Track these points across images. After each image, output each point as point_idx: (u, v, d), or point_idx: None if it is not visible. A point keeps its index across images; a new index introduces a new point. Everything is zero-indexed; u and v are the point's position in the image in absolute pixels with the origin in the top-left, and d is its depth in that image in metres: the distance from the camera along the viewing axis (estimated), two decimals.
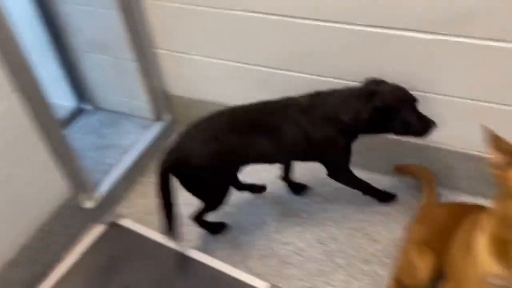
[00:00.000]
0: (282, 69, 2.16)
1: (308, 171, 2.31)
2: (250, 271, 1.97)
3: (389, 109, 1.67)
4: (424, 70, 1.84)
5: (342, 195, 2.28)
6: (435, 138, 1.90)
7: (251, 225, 2.19)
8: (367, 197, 2.17)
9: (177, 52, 2.37)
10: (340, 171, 2.02)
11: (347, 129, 1.79)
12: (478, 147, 1.93)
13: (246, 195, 2.31)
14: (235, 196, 2.15)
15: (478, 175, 2.06)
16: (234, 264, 2.01)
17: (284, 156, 1.99)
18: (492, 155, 1.03)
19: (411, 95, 1.73)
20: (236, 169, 2.03)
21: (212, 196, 1.96)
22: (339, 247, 2.05)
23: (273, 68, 2.17)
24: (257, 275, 1.94)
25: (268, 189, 2.34)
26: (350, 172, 2.03)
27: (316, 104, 1.79)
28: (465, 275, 1.23)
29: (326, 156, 1.93)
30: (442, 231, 1.48)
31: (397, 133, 1.78)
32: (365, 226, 2.12)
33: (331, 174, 2.02)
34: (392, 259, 1.92)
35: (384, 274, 1.91)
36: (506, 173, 1.00)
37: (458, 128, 1.94)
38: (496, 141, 1.00)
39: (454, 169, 2.12)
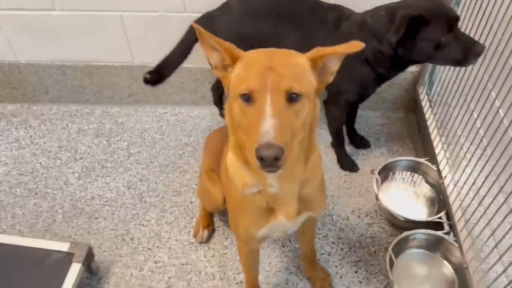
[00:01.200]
0: None
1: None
2: (56, 237, 1.80)
3: (422, 20, 1.43)
4: None
5: (148, 137, 2.21)
6: None
7: (51, 189, 1.99)
8: (176, 137, 2.17)
9: None
10: (339, 103, 1.81)
11: (380, 58, 1.58)
12: None
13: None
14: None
15: None
16: (38, 235, 1.82)
17: None
18: (209, 56, 0.97)
19: (452, 11, 1.49)
20: None
21: None
22: (149, 186, 1.99)
23: None
24: (63, 239, 1.78)
25: (65, 148, 2.15)
26: (344, 114, 1.88)
27: (361, 19, 1.58)
28: (231, 196, 1.21)
29: (342, 76, 1.71)
30: (218, 156, 1.43)
31: (434, 58, 1.52)
32: (174, 161, 2.09)
33: (327, 101, 1.84)
34: None
35: (196, 201, 1.91)
36: (225, 72, 0.97)
37: None
38: (211, 40, 0.93)
39: None
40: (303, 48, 0.99)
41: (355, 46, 0.94)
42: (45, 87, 2.30)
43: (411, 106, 2.20)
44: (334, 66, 0.97)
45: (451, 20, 1.45)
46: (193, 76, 2.19)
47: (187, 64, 2.13)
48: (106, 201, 1.94)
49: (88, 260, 1.60)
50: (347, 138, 2.10)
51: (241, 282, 1.67)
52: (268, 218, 1.14)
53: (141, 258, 1.75)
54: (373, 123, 2.22)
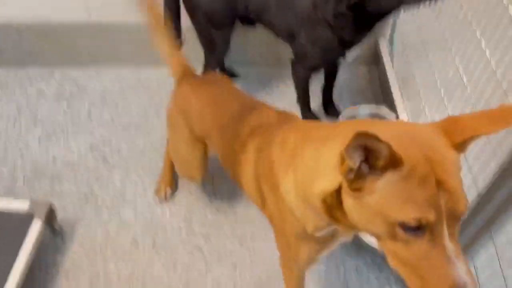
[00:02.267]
0: None
1: None
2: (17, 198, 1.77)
3: None
4: None
5: (109, 99, 2.17)
6: None
7: (11, 154, 1.94)
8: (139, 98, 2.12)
9: None
10: (304, 65, 1.79)
11: (342, 21, 1.53)
12: None
13: None
14: None
15: None
16: None
17: (279, 20, 1.71)
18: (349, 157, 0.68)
19: None
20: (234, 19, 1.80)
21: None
22: (112, 147, 1.96)
23: None
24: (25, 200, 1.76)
25: (25, 113, 2.10)
26: (309, 76, 1.84)
27: None
28: (288, 229, 1.02)
29: (306, 40, 1.67)
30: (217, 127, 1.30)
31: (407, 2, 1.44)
32: (137, 121, 2.06)
33: (294, 61, 1.81)
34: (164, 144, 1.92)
35: (160, 160, 1.90)
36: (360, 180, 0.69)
37: None
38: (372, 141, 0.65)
39: None
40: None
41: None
42: (0, 50, 2.22)
43: (374, 60, 2.21)
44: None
45: None
46: None
47: None
48: (68, 163, 1.91)
49: (50, 218, 1.59)
50: (322, 102, 2.10)
51: (207, 234, 1.68)
52: (332, 241, 1.01)
53: (105, 216, 1.74)
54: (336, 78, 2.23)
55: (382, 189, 0.65)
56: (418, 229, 0.63)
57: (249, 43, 2.19)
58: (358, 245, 1.62)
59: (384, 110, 1.86)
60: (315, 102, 2.11)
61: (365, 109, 1.91)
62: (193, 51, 1.81)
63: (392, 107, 1.85)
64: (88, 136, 2.01)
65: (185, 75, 1.43)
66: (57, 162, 1.91)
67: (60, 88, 2.21)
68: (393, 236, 0.66)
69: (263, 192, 1.06)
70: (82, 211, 1.75)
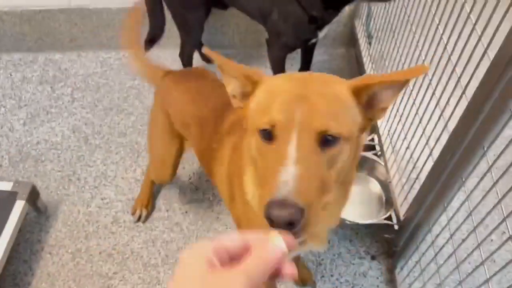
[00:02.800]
0: None
1: None
2: (2, 181, 1.83)
3: None
4: None
5: (91, 82, 2.21)
6: None
7: None
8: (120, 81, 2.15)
9: None
10: (278, 44, 1.81)
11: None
12: None
13: None
14: None
15: None
16: None
17: (251, 1, 1.77)
18: (226, 84, 0.81)
19: None
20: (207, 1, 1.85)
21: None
22: (94, 129, 2.01)
23: None
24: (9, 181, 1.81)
25: (9, 96, 2.14)
26: (284, 55, 1.87)
27: None
28: (250, 222, 1.03)
29: (279, 18, 1.70)
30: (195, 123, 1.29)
31: None
32: (119, 104, 2.11)
33: (268, 40, 1.85)
34: (146, 125, 1.97)
35: (141, 140, 1.96)
36: (244, 102, 0.79)
37: None
38: (229, 67, 0.79)
39: None
40: None
41: (417, 71, 0.73)
42: None
43: (352, 42, 2.26)
44: (388, 100, 0.73)
45: None
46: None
47: (125, 4, 2.11)
48: (52, 145, 1.96)
49: (33, 198, 1.65)
50: None
51: (186, 212, 1.74)
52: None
53: (88, 196, 1.80)
54: (315, 60, 2.27)
55: (251, 106, 0.74)
56: (271, 135, 0.66)
57: (227, 26, 2.23)
58: None
59: None
60: None
61: None
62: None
63: None
64: (71, 118, 2.06)
65: (165, 74, 1.41)
66: (41, 143, 1.97)
67: (44, 72, 2.25)
68: (259, 148, 0.70)
69: (234, 191, 1.06)
70: (65, 191, 1.81)
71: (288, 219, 0.56)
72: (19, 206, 1.59)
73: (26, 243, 1.68)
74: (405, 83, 0.71)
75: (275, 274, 0.48)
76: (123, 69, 2.26)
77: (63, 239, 1.69)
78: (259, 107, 0.72)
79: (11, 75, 2.25)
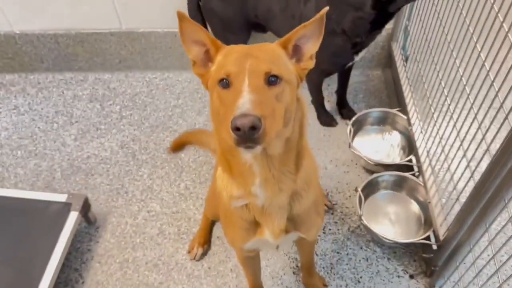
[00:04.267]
0: None
1: None
2: (55, 192, 1.94)
3: None
4: None
5: (138, 101, 2.33)
6: None
7: (50, 151, 2.12)
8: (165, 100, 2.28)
9: None
10: (317, 69, 1.85)
11: (359, 25, 1.63)
12: None
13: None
14: None
15: None
16: (38, 191, 1.96)
17: (285, 27, 1.79)
18: (188, 50, 0.92)
19: None
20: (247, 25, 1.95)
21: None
22: (141, 145, 2.12)
23: None
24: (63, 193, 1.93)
25: (62, 113, 2.29)
26: (321, 78, 1.95)
27: None
28: (220, 207, 1.16)
29: (323, 44, 1.80)
30: None
31: None
32: (164, 121, 2.22)
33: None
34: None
35: (185, 157, 2.05)
36: (205, 69, 0.93)
37: None
38: (196, 31, 0.90)
39: None
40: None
41: (318, 17, 0.88)
42: (40, 56, 2.42)
43: (388, 63, 2.31)
44: (311, 48, 0.92)
45: None
46: (179, 40, 2.27)
47: (173, 29, 2.24)
48: (101, 159, 2.08)
49: (85, 209, 1.75)
50: (336, 104, 2.21)
51: None
52: (254, 233, 1.08)
53: (135, 208, 1.89)
54: (352, 81, 2.33)
55: (213, 69, 0.90)
56: (228, 83, 0.82)
57: None
58: (369, 240, 1.73)
59: (393, 113, 1.96)
60: (332, 104, 2.23)
61: (375, 113, 2.01)
62: None
63: (404, 109, 1.95)
64: (119, 134, 2.17)
65: None
66: (91, 158, 2.08)
67: (94, 90, 2.39)
68: (220, 97, 0.85)
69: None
70: (113, 203, 1.91)
71: (251, 123, 0.73)
72: (72, 217, 1.69)
73: (77, 252, 1.78)
74: (315, 27, 0.88)
75: None
76: (168, 89, 2.37)
77: (111, 249, 1.78)
78: (218, 66, 0.88)
79: (63, 93, 2.40)
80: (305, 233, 1.11)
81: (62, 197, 1.74)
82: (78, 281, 1.70)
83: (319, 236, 1.75)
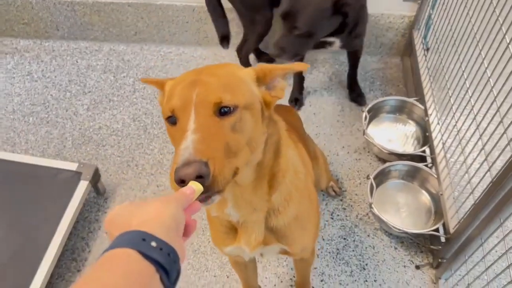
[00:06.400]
0: None
1: None
2: (66, 161, 1.94)
3: None
4: None
5: (152, 75, 2.31)
6: None
7: (62, 119, 2.12)
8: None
9: None
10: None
11: None
12: None
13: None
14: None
15: None
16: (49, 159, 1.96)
17: None
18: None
19: None
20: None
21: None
22: (153, 119, 2.11)
23: None
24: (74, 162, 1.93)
25: (75, 82, 2.27)
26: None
27: None
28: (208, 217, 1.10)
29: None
30: None
31: None
32: None
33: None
34: None
35: None
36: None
37: None
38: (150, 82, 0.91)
39: None
40: None
41: (300, 66, 0.87)
42: (56, 24, 2.40)
43: (407, 51, 2.26)
44: (282, 83, 0.86)
45: None
46: (197, 15, 2.26)
47: (191, 3, 2.21)
48: (113, 131, 2.07)
49: (95, 180, 1.75)
50: (347, 89, 2.18)
51: None
52: (234, 239, 1.01)
53: (144, 182, 1.89)
54: (370, 68, 2.30)
55: (165, 99, 0.82)
56: (175, 120, 0.73)
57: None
58: (376, 228, 1.72)
59: (410, 102, 1.93)
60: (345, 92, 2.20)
61: (392, 101, 1.99)
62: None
63: (422, 99, 1.92)
64: (131, 107, 2.16)
65: None
66: (102, 129, 2.08)
67: (108, 61, 2.37)
68: (170, 134, 0.78)
69: None
70: (123, 175, 1.91)
71: (195, 173, 0.63)
72: (82, 186, 1.70)
73: (85, 221, 1.79)
74: (289, 74, 0.86)
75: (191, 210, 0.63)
76: (182, 64, 2.35)
77: None
78: (167, 99, 0.79)
79: (77, 62, 2.38)
80: (288, 246, 1.05)
81: (72, 166, 1.75)
82: (85, 249, 1.71)
83: (326, 221, 1.75)
